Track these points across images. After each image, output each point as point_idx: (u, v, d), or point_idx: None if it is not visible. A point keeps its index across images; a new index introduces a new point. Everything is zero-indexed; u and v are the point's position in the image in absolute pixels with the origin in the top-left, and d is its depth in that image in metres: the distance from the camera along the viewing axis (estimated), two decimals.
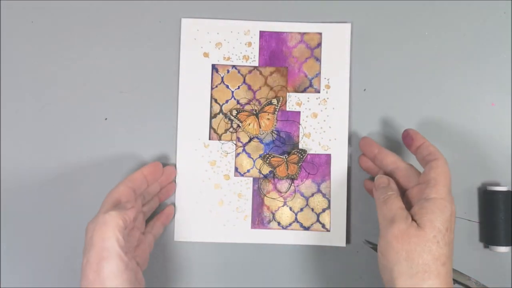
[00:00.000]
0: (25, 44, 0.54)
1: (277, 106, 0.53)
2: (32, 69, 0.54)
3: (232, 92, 0.54)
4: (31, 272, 0.53)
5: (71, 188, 0.53)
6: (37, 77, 0.54)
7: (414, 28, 0.54)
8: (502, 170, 0.53)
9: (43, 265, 0.53)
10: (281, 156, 0.53)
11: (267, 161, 0.53)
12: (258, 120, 0.53)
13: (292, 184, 0.53)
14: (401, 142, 0.50)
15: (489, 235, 0.52)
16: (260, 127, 0.53)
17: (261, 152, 0.53)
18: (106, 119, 0.54)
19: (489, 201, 0.51)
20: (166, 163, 0.53)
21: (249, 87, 0.54)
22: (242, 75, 0.54)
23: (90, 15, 0.54)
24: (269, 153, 0.53)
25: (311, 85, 0.53)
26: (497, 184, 0.52)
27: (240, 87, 0.54)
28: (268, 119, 0.53)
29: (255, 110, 0.53)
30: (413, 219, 0.42)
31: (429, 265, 0.40)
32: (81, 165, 0.54)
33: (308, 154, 0.53)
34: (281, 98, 0.53)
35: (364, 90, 0.54)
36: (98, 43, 0.54)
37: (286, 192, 0.53)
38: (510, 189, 0.52)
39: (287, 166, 0.52)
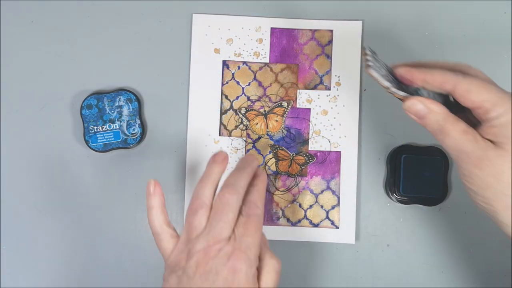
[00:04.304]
0: (25, 44, 0.54)
1: (286, 109, 0.53)
2: (32, 69, 0.54)
3: (243, 88, 0.54)
4: (31, 272, 0.53)
5: (71, 188, 0.53)
6: (37, 77, 0.54)
7: (414, 28, 0.54)
8: None
9: (43, 265, 0.53)
10: (289, 152, 0.53)
11: (274, 151, 0.53)
12: (266, 120, 0.53)
13: (302, 181, 0.53)
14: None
15: None
16: (267, 128, 0.53)
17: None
18: None
19: None
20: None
21: (260, 84, 0.54)
22: (252, 71, 0.54)
23: (90, 14, 0.54)
24: (279, 145, 0.53)
25: (321, 82, 0.54)
26: None
27: (251, 83, 0.54)
28: (276, 120, 0.53)
29: (264, 111, 0.53)
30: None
31: None
32: (82, 165, 0.54)
33: (314, 160, 0.53)
34: (291, 102, 0.53)
35: (364, 90, 0.53)
36: (99, 43, 0.54)
37: (295, 189, 0.53)
38: None
39: (290, 164, 0.52)
